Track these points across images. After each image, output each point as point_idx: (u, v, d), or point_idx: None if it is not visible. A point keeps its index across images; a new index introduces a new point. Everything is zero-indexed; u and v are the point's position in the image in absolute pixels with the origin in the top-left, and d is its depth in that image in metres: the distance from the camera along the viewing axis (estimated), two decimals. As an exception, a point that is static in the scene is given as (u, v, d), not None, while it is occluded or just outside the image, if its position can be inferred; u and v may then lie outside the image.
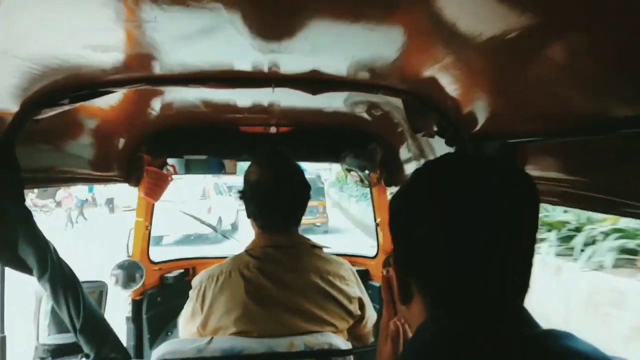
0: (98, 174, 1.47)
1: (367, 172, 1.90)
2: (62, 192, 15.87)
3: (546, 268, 4.73)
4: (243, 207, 1.25)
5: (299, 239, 1.25)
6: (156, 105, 1.44)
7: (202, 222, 2.49)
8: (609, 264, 4.30)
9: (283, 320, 1.11)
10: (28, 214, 0.98)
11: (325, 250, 1.27)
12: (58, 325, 1.16)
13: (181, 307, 1.21)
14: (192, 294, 1.19)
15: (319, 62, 0.97)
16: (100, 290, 1.40)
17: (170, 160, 1.96)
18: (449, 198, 0.52)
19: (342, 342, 1.13)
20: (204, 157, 1.89)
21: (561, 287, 4.54)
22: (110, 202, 19.74)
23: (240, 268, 1.15)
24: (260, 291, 1.12)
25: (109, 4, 0.61)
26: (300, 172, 1.24)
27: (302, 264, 1.17)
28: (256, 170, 1.22)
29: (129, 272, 1.94)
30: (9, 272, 1.03)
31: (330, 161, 2.03)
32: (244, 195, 1.22)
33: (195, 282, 1.20)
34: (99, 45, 0.79)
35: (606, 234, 4.71)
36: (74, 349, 1.12)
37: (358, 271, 1.30)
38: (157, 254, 2.22)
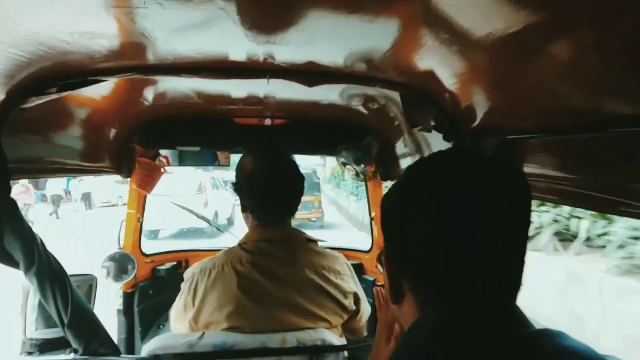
0: (88, 165, 1.44)
1: (362, 166, 1.89)
2: (19, 187, 12.32)
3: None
4: (239, 202, 1.24)
5: (294, 232, 1.24)
6: (149, 95, 1.41)
7: (197, 215, 2.47)
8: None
9: (276, 316, 1.10)
10: (14, 207, 0.95)
11: (320, 244, 1.26)
12: (46, 319, 1.14)
13: (173, 300, 1.20)
14: (184, 287, 1.17)
15: (315, 54, 0.96)
16: (90, 284, 1.37)
17: (163, 152, 1.93)
18: (448, 194, 0.52)
19: (335, 338, 1.12)
20: (197, 148, 1.86)
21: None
22: (87, 197, 18.00)
23: (233, 262, 1.13)
24: (254, 286, 1.10)
25: None
26: (295, 164, 1.23)
27: (297, 258, 1.16)
28: (250, 162, 1.20)
29: (121, 264, 1.93)
30: None
31: (326, 154, 2.02)
32: (238, 187, 1.21)
33: (187, 275, 1.19)
34: (87, 32, 0.76)
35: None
36: (62, 343, 1.10)
37: (352, 265, 1.29)
38: (154, 247, 2.20)
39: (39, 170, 1.19)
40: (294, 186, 1.22)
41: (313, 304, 1.13)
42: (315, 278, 1.15)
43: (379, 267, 2.14)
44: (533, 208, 0.54)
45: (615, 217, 4.71)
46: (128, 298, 2.04)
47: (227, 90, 1.39)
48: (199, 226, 9.28)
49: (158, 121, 1.70)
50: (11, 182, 0.95)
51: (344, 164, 1.91)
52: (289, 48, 0.90)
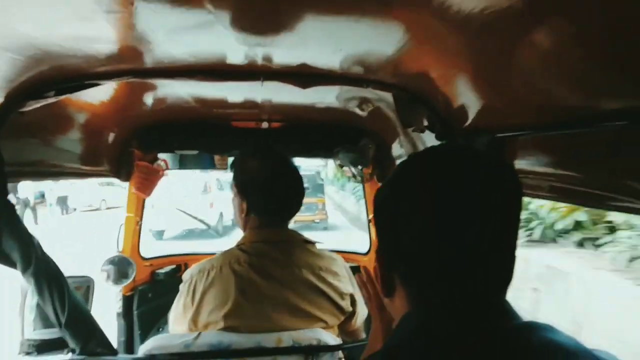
0: (87, 168, 1.45)
1: (359, 167, 1.89)
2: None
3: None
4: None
5: (291, 233, 1.24)
6: (147, 99, 1.42)
7: (195, 219, 2.47)
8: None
9: (272, 316, 1.10)
10: (11, 208, 0.97)
11: (317, 245, 1.27)
12: (44, 320, 1.14)
13: (172, 303, 1.21)
14: (182, 288, 1.18)
15: (308, 56, 0.97)
16: (87, 285, 1.38)
17: (161, 155, 1.94)
18: (441, 190, 0.52)
19: (331, 338, 1.13)
20: (195, 152, 1.87)
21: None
22: (62, 201, 16.40)
23: (231, 263, 1.14)
24: (251, 286, 1.11)
25: None
26: (294, 166, 1.24)
27: (294, 259, 1.17)
28: (250, 164, 1.21)
29: (120, 267, 1.93)
30: None
31: (322, 157, 2.03)
32: (238, 189, 1.21)
33: (185, 276, 1.19)
34: (83, 36, 0.77)
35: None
36: (59, 344, 1.11)
37: (350, 267, 1.29)
38: (160, 247, 2.20)
39: (37, 173, 1.20)
40: (294, 188, 1.22)
41: (310, 304, 1.14)
42: (312, 279, 1.15)
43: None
44: None
45: None
46: (127, 301, 2.04)
47: (223, 94, 1.40)
48: (204, 226, 9.27)
49: (156, 125, 1.71)
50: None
51: (341, 166, 1.92)
52: (281, 50, 0.91)
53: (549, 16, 0.55)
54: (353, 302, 1.23)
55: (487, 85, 0.85)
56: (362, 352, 0.95)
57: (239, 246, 1.19)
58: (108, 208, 17.38)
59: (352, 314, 1.24)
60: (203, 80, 1.04)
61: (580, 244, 5.17)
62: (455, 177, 0.52)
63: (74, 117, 1.24)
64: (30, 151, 1.11)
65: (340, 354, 1.15)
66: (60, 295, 1.02)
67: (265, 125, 1.82)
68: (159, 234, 10.68)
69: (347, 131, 1.83)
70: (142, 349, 1.08)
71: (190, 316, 1.12)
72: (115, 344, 1.18)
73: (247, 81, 1.06)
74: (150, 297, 2.11)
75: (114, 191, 17.00)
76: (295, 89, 1.09)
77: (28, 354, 1.15)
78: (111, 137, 1.55)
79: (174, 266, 2.23)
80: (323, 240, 1.35)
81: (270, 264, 1.14)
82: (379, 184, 2.05)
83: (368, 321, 1.24)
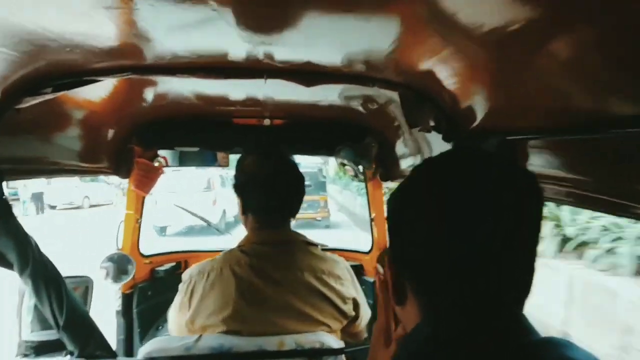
0: (86, 165, 1.44)
1: (361, 166, 1.87)
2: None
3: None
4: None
5: (293, 235, 1.22)
6: (147, 95, 1.40)
7: (197, 216, 2.46)
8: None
9: (274, 320, 1.09)
10: (7, 207, 0.95)
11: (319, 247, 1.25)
12: (41, 321, 1.13)
13: (172, 301, 1.20)
14: (181, 287, 1.17)
15: (312, 54, 0.95)
16: (86, 285, 1.37)
17: (161, 152, 1.92)
18: (450, 191, 0.50)
19: (333, 341, 1.11)
20: (196, 149, 1.85)
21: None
22: (38, 198, 15.13)
23: (231, 265, 1.12)
24: (252, 289, 1.09)
25: None
26: (295, 165, 1.23)
27: (296, 261, 1.15)
28: (250, 162, 1.20)
29: (119, 265, 1.92)
30: None
31: (325, 155, 2.01)
32: (238, 188, 1.20)
33: (185, 276, 1.18)
34: (80, 31, 0.75)
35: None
36: (58, 345, 1.09)
37: (352, 266, 1.28)
38: (163, 243, 2.19)
39: (34, 171, 1.18)
40: (295, 187, 1.21)
41: (312, 307, 1.12)
42: (314, 282, 1.14)
43: (379, 267, 2.12)
44: None
45: None
46: (127, 299, 2.03)
47: (225, 91, 1.38)
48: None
49: (156, 121, 1.69)
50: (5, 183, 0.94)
51: (343, 164, 1.89)
52: (285, 48, 0.89)
53: (563, 19, 0.53)
54: (356, 306, 1.22)
55: (497, 86, 0.83)
56: (365, 355, 0.93)
57: (239, 247, 1.18)
58: (92, 206, 16.29)
59: (355, 317, 1.23)
60: (205, 78, 1.02)
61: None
62: (466, 176, 0.51)
63: (72, 113, 1.22)
64: (27, 149, 1.10)
65: (343, 357, 1.13)
66: (58, 296, 1.00)
67: (267, 122, 1.80)
68: (162, 230, 10.70)
69: (350, 129, 1.81)
70: (142, 351, 1.07)
71: (187, 317, 1.11)
72: (114, 342, 1.17)
73: (250, 79, 1.04)
74: (150, 295, 2.10)
75: (99, 187, 16.27)
76: (298, 86, 1.08)
77: (26, 356, 1.13)
78: (110, 133, 1.53)
79: (174, 263, 2.22)
80: (325, 239, 1.33)
81: (271, 267, 1.12)
82: (382, 183, 2.04)
83: (371, 322, 1.23)
